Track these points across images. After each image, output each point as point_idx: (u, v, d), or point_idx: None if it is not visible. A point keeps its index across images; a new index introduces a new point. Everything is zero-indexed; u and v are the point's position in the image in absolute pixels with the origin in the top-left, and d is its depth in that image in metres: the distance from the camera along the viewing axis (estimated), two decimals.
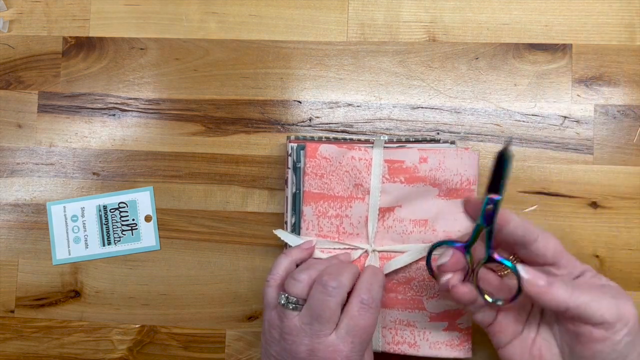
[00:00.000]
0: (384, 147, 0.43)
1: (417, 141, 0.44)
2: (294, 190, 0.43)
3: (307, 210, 0.43)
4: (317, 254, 0.42)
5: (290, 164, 0.43)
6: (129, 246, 0.48)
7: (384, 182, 0.42)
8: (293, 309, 0.37)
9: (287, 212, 0.44)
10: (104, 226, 0.48)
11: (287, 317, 0.37)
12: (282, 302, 0.37)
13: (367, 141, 0.44)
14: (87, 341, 0.48)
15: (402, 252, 0.42)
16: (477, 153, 0.43)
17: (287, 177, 0.44)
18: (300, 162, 0.43)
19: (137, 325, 0.48)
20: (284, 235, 0.43)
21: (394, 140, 0.44)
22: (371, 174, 0.42)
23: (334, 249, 0.43)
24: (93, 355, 0.48)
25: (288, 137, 0.44)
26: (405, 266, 0.42)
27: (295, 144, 0.43)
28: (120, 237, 0.48)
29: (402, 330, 0.43)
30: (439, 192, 0.42)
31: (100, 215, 0.48)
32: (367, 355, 0.38)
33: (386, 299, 0.43)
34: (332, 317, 0.36)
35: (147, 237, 0.48)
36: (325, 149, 0.43)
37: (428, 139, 0.44)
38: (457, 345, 0.42)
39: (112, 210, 0.48)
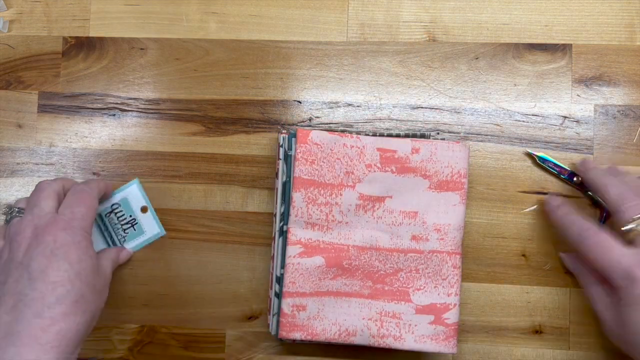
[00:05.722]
0: (377, 135, 0.43)
1: (407, 136, 0.44)
2: (284, 179, 0.43)
3: (296, 196, 0.43)
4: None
5: (281, 155, 0.44)
6: (137, 241, 0.47)
7: (375, 171, 0.43)
8: None
9: (276, 203, 0.44)
10: (105, 232, 0.47)
11: None
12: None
13: (358, 134, 0.44)
14: (87, 341, 0.48)
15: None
16: (468, 147, 0.43)
17: (278, 169, 0.44)
18: (292, 149, 0.43)
19: (137, 325, 0.48)
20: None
21: (385, 135, 0.44)
22: (362, 162, 0.42)
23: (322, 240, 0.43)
24: (93, 355, 0.48)
25: (279, 130, 0.44)
26: (395, 257, 0.42)
27: (287, 135, 0.44)
28: (124, 236, 0.47)
29: (387, 322, 0.42)
30: (429, 184, 0.43)
31: (99, 225, 0.47)
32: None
33: (372, 290, 0.43)
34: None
35: (150, 226, 0.47)
36: (316, 134, 0.43)
37: (418, 134, 0.44)
38: (443, 340, 0.42)
39: (107, 215, 0.47)
